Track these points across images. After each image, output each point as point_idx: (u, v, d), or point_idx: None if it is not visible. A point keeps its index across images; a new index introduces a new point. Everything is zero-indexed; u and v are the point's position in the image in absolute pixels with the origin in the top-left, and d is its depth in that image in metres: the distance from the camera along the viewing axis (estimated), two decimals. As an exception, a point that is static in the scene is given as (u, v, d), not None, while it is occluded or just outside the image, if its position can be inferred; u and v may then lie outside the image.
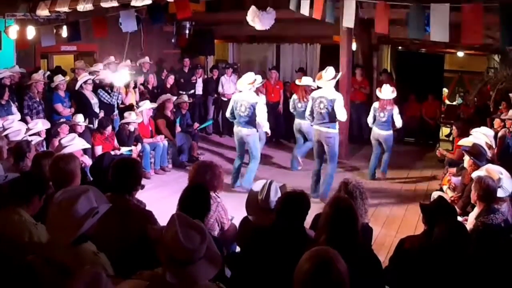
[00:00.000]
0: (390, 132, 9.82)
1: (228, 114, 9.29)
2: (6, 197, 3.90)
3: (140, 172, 4.25)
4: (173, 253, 2.53)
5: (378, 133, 9.84)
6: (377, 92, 9.84)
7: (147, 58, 12.51)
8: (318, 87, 8.86)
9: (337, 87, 9.12)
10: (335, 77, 8.54)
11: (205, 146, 12.53)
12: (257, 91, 9.65)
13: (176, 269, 2.52)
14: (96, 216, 3.01)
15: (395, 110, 9.62)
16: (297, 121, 10.41)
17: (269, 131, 9.43)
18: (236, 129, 9.14)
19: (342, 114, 8.36)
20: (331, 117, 8.37)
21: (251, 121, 8.91)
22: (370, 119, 9.99)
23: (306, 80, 10.30)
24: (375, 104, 9.87)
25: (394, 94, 9.66)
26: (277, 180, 4.80)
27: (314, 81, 9.59)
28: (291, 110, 10.62)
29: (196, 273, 2.55)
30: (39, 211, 3.92)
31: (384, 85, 9.98)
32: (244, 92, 8.95)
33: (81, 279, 2.34)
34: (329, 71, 8.56)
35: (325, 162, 8.77)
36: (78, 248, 2.94)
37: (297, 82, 10.62)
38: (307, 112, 8.77)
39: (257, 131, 9.11)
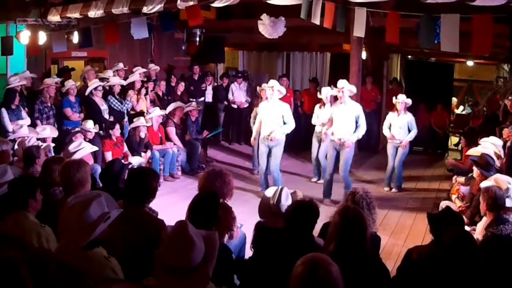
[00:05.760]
0: None
1: None
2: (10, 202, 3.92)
3: (156, 185, 4.20)
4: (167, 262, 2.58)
5: None
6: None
7: (156, 66, 12.57)
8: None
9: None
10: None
11: (214, 153, 12.51)
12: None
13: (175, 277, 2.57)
14: (108, 221, 3.07)
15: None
16: None
17: None
18: None
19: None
20: None
21: None
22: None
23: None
24: None
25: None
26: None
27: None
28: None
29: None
30: (42, 215, 3.96)
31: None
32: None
33: None
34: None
35: None
36: (90, 252, 2.99)
37: None
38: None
39: None
